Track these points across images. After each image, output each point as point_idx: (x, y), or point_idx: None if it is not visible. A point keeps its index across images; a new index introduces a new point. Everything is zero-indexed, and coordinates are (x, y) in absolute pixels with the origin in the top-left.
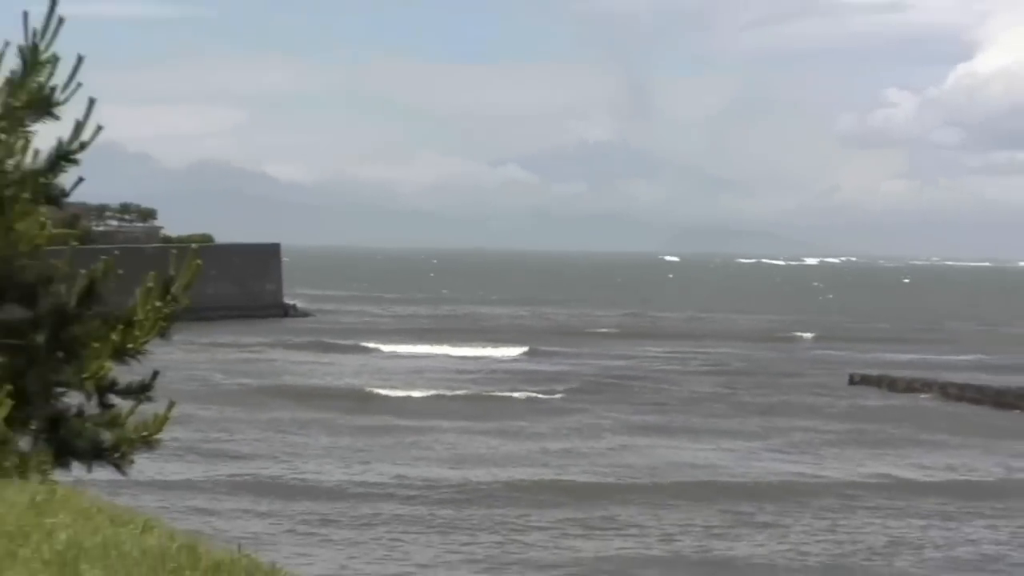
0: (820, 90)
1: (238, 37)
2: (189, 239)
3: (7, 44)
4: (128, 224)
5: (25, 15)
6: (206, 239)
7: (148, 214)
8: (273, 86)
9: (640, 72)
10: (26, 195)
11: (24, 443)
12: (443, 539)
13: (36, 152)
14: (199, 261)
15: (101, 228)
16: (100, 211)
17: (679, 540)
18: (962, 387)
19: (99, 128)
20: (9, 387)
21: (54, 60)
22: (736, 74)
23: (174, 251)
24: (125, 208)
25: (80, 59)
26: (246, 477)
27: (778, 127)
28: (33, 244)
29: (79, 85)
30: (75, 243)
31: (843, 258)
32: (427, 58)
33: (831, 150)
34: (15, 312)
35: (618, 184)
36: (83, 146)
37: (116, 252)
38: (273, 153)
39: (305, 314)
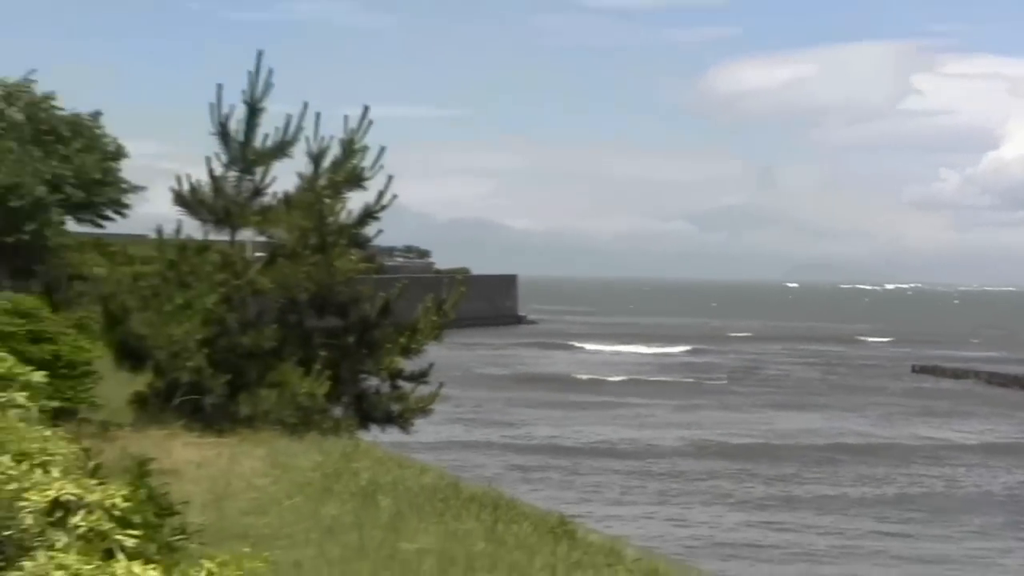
0: (892, 170)
1: (489, 128)
2: (454, 271)
3: (332, 137)
4: (410, 260)
5: (345, 118)
6: (465, 271)
7: (424, 253)
8: (514, 162)
9: (767, 155)
10: (343, 241)
11: (338, 412)
12: (646, 483)
13: (350, 212)
14: (463, 288)
15: (391, 263)
16: (390, 251)
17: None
18: (994, 375)
19: (394, 196)
20: (329, 373)
21: (364, 149)
22: (834, 157)
23: (444, 280)
24: (408, 249)
25: (382, 149)
26: (493, 437)
27: (862, 195)
28: (347, 275)
29: (381, 167)
30: (375, 274)
31: (910, 284)
32: (619, 147)
33: (899, 211)
34: (333, 321)
35: (749, 233)
36: (382, 208)
37: (404, 281)
38: (512, 210)
39: (532, 322)
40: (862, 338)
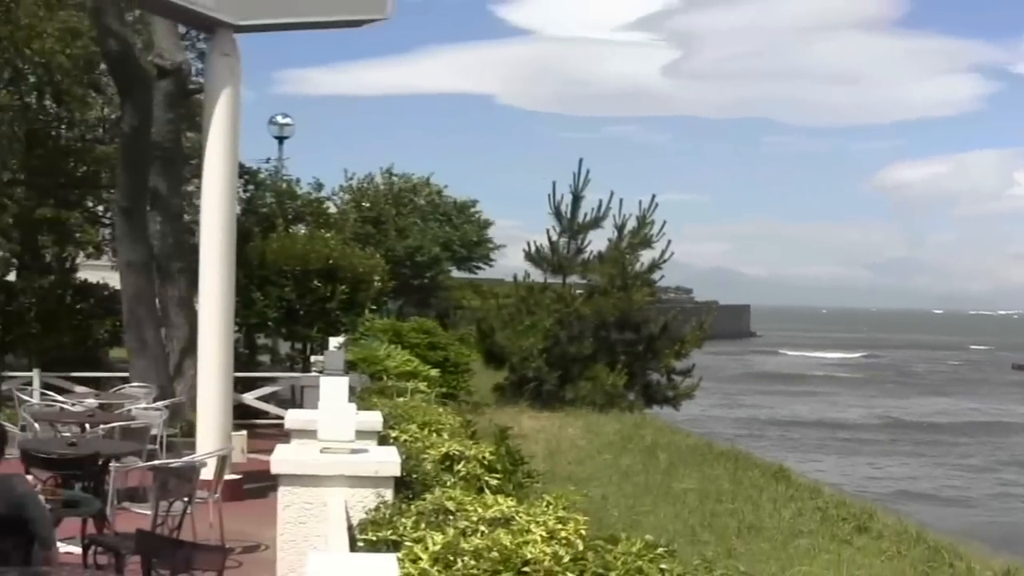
0: (1000, 232)
1: (731, 207)
2: (707, 302)
3: (629, 215)
4: (679, 295)
5: (640, 202)
6: (715, 302)
7: (688, 291)
8: (746, 229)
9: (920, 224)
10: (638, 283)
11: (631, 396)
12: (842, 443)
13: (642, 264)
14: (714, 313)
15: (666, 297)
16: (666, 289)
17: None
18: None
19: (671, 253)
20: (626, 370)
21: (651, 224)
22: (963, 224)
23: (701, 308)
24: (678, 288)
25: (664, 223)
26: (734, 412)
27: (982, 249)
28: (640, 305)
29: (663, 234)
30: (657, 304)
31: (1015, 311)
32: (817, 218)
33: (1005, 259)
34: (630, 336)
35: (904, 277)
36: (664, 261)
37: (676, 309)
38: (746, 262)
39: (760, 336)
40: (986, 348)
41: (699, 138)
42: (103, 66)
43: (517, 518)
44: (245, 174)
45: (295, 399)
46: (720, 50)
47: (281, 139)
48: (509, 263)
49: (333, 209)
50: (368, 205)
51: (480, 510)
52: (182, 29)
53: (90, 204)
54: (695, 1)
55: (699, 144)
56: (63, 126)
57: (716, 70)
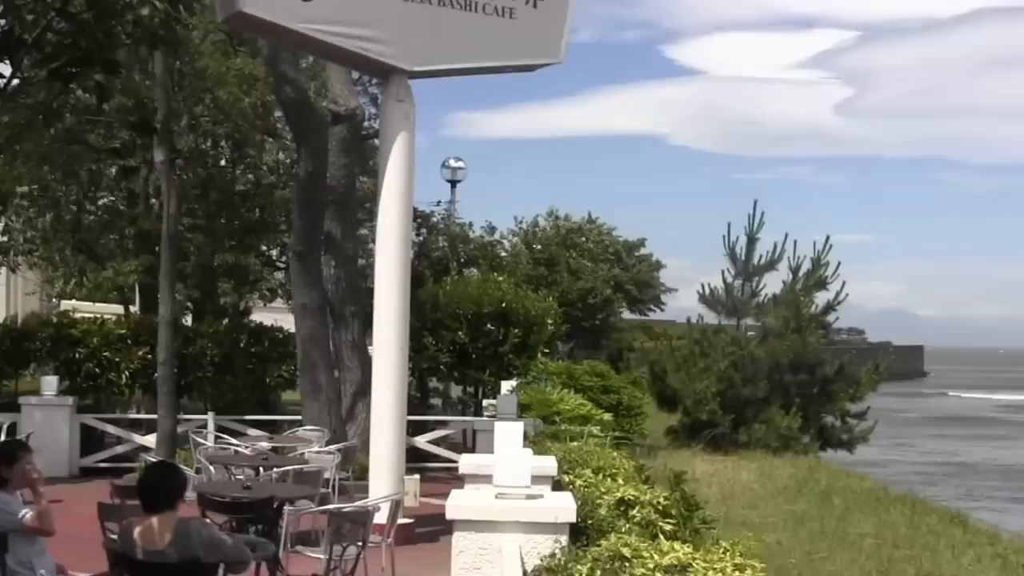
0: None
1: (902, 247)
2: (881, 343)
3: (804, 256)
4: (852, 336)
5: (814, 243)
6: (888, 343)
7: (860, 331)
8: (921, 271)
9: None
10: (812, 325)
11: (806, 439)
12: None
13: (816, 305)
14: (891, 356)
15: (839, 338)
16: (839, 330)
17: None
18: None
19: (846, 295)
20: (800, 413)
21: (826, 266)
22: None
23: (876, 349)
24: (851, 329)
25: (838, 264)
26: (909, 456)
27: None
28: (813, 347)
29: (837, 275)
30: (831, 346)
31: None
32: (968, 257)
33: None
34: (804, 378)
35: None
36: (838, 303)
37: (851, 351)
38: (919, 303)
39: (932, 376)
40: None
41: (873, 177)
42: (278, 112)
43: (694, 565)
44: (418, 218)
45: (467, 443)
46: (894, 87)
47: (453, 183)
48: (679, 304)
49: (505, 252)
50: (539, 247)
51: (656, 557)
52: (356, 74)
53: (264, 248)
54: (868, 37)
55: (873, 183)
56: (239, 171)
57: (890, 107)
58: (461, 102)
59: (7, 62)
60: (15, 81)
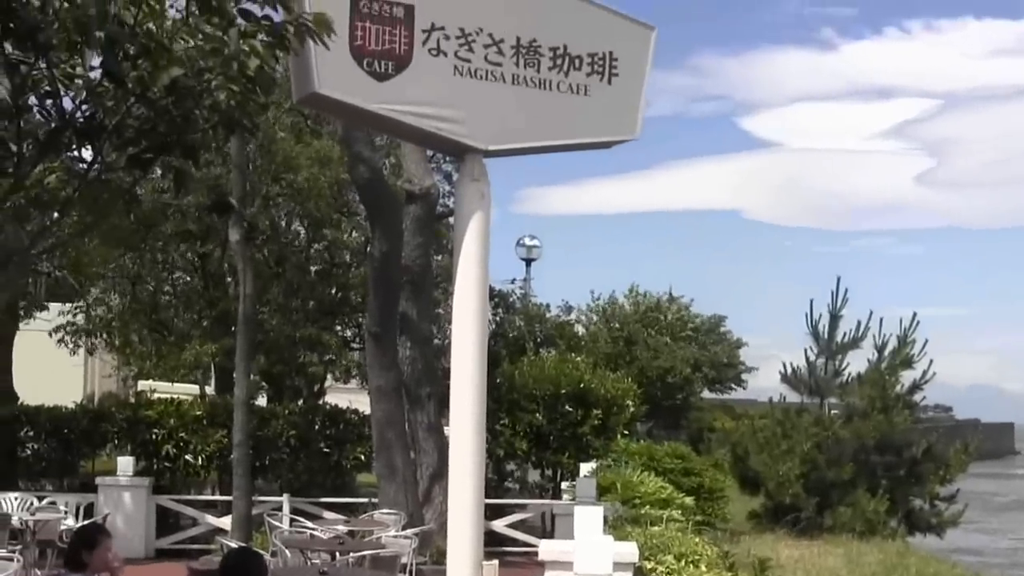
0: None
1: (989, 320)
2: (969, 421)
3: (890, 334)
4: (938, 414)
5: (900, 320)
6: (976, 421)
7: (948, 409)
8: (1008, 343)
9: None
10: (898, 405)
11: (893, 523)
12: None
13: (903, 384)
14: (980, 435)
15: (926, 416)
16: (924, 408)
17: None
18: None
19: (933, 373)
20: (887, 496)
21: (912, 343)
22: None
23: (964, 427)
24: (937, 406)
25: (925, 341)
26: (1000, 543)
27: None
28: (900, 427)
29: (924, 353)
30: (918, 425)
31: None
32: None
33: None
34: (891, 460)
35: None
36: (925, 382)
37: (939, 430)
38: (1008, 377)
39: (1020, 454)
40: None
41: (957, 248)
42: (353, 191)
43: None
44: (495, 297)
45: (546, 527)
46: (978, 156)
47: (528, 260)
48: (761, 383)
49: (582, 331)
50: (618, 326)
51: None
52: (430, 152)
53: (340, 329)
54: (951, 106)
55: (957, 254)
56: (315, 251)
57: (974, 177)
58: (535, 177)
59: (89, 148)
60: (96, 166)
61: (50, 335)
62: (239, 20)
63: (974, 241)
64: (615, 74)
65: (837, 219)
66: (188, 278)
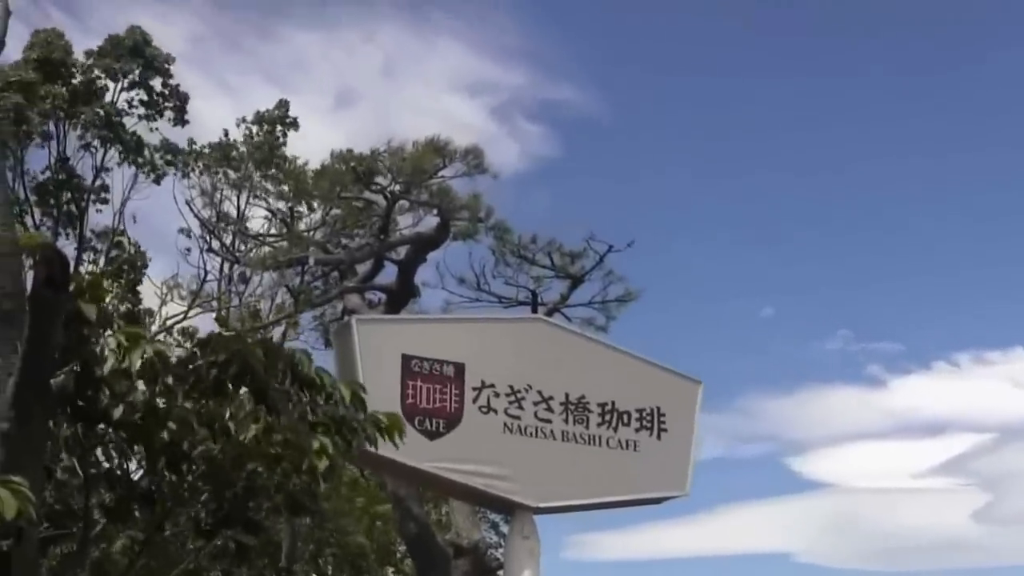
0: None
1: None
2: None
3: None
4: None
5: None
6: None
7: None
8: None
9: None
10: None
11: None
12: None
13: None
14: None
15: None
16: None
17: None
18: None
19: None
20: None
21: None
22: None
23: None
24: None
25: None
26: None
27: None
28: None
29: None
30: None
31: None
32: None
33: None
34: None
35: None
36: None
37: None
38: None
39: None
40: None
41: None
42: (402, 546)
43: None
44: None
45: None
46: None
47: None
48: None
49: None
50: None
51: None
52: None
53: None
54: (1005, 439)
55: None
56: None
57: None
58: (584, 522)
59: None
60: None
61: None
62: (309, 414)
63: None
64: (664, 429)
65: (891, 560)
66: None
